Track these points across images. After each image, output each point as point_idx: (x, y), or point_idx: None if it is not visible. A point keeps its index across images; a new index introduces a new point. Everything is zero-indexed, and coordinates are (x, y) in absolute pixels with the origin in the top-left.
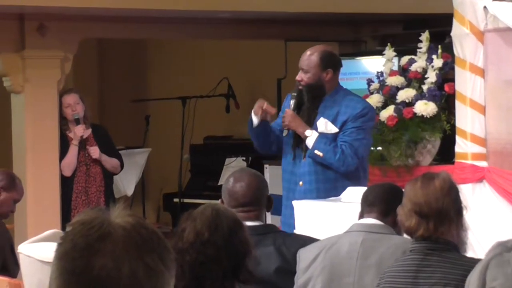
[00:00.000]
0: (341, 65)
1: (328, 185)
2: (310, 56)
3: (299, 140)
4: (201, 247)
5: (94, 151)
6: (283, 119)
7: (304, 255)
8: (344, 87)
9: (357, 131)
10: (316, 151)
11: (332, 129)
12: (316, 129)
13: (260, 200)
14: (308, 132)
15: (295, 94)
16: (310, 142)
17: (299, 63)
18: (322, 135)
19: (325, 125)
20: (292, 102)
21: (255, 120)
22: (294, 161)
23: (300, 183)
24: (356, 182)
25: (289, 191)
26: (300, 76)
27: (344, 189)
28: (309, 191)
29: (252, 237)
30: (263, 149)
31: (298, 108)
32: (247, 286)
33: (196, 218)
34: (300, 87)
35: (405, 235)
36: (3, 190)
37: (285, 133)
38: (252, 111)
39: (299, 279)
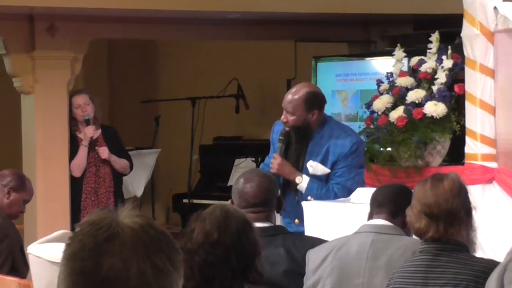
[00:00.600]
0: (325, 102)
1: None
2: (293, 99)
3: (289, 182)
4: (210, 247)
5: (103, 152)
6: (271, 165)
7: (313, 256)
8: (330, 116)
9: (349, 170)
10: (309, 198)
11: (323, 170)
12: (306, 171)
13: (270, 201)
14: (298, 179)
15: (283, 138)
16: (301, 189)
17: (283, 103)
18: (312, 180)
19: (315, 168)
20: (280, 146)
21: None
22: (286, 200)
23: (296, 221)
24: None
25: (286, 225)
26: (286, 117)
27: None
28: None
29: (261, 238)
30: None
31: (286, 148)
32: (256, 287)
33: (205, 219)
34: (287, 129)
35: (414, 236)
36: (12, 191)
37: None
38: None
39: (308, 280)
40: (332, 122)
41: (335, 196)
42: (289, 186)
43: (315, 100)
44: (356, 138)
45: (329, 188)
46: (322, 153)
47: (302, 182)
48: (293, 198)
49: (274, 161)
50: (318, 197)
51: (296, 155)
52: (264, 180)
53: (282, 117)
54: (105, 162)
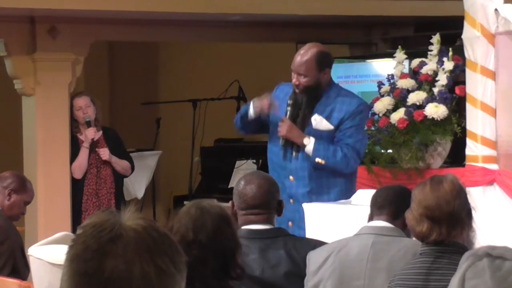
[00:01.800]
0: (333, 60)
1: (320, 180)
2: (305, 60)
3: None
4: (186, 248)
5: (104, 153)
6: (279, 128)
7: (313, 258)
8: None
9: (357, 131)
10: (317, 159)
11: (326, 126)
12: (310, 125)
13: (270, 203)
14: (306, 141)
15: (291, 102)
16: (309, 150)
17: (294, 66)
18: (318, 141)
19: (318, 123)
20: (288, 109)
21: (252, 113)
22: (285, 156)
23: (291, 177)
24: (349, 176)
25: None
26: (298, 80)
27: (336, 184)
28: (301, 186)
29: (262, 240)
30: (244, 131)
31: (294, 110)
32: (240, 282)
33: (181, 219)
34: (297, 91)
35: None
36: (13, 193)
37: (281, 142)
38: (252, 104)
39: (308, 282)
40: (338, 86)
41: (344, 157)
42: (289, 142)
43: (326, 58)
44: (363, 100)
45: (337, 149)
46: (327, 112)
47: (309, 144)
48: (290, 154)
49: (283, 124)
50: (326, 157)
51: (303, 116)
52: (264, 182)
53: (294, 80)
54: (106, 163)
